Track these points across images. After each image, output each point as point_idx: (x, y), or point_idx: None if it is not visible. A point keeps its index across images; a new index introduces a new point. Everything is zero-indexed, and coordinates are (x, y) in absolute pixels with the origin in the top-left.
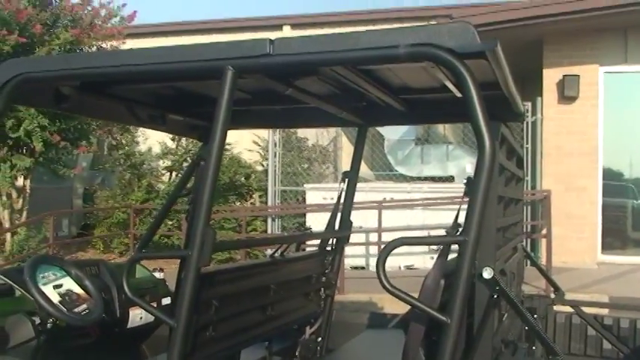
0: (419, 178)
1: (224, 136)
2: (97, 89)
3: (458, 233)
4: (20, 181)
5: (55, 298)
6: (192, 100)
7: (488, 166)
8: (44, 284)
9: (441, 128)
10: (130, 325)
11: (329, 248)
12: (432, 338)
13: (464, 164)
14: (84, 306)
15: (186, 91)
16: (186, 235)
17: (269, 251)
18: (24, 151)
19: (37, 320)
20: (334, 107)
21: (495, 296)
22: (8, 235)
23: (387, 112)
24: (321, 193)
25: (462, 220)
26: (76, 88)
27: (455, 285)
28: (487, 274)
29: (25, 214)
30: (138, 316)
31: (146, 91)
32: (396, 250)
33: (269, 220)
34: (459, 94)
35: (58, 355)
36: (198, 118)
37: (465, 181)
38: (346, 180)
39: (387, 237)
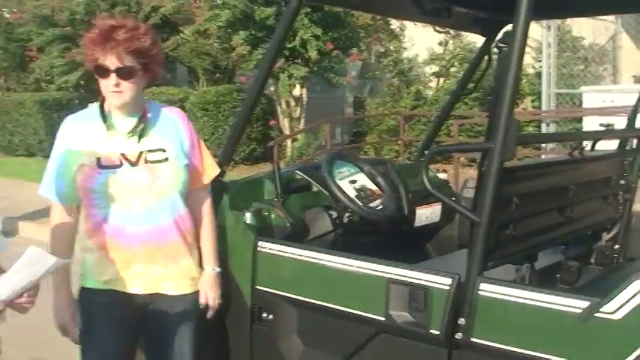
0: None
1: (528, 20)
2: None
3: None
4: (297, 91)
5: (352, 193)
6: None
7: None
8: (340, 179)
9: None
10: (416, 224)
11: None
12: None
13: None
14: (378, 202)
15: None
16: (488, 127)
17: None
18: (299, 61)
19: (334, 214)
20: None
21: None
22: (289, 142)
23: None
24: (599, 96)
25: None
26: None
27: None
28: None
29: (302, 121)
30: (424, 215)
31: None
32: None
33: (543, 126)
34: None
35: (352, 248)
36: (484, 11)
37: None
38: None
39: None
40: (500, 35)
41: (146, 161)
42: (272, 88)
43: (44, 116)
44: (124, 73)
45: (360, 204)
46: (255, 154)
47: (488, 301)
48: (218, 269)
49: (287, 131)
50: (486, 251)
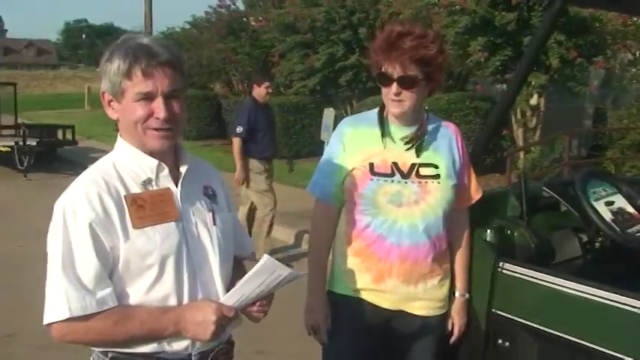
0: None
1: None
2: None
3: None
4: (534, 99)
5: (607, 216)
6: None
7: None
8: (595, 200)
9: None
10: None
11: None
12: None
13: None
14: (637, 227)
15: None
16: None
17: None
18: (539, 68)
19: (584, 238)
20: None
21: None
22: (521, 153)
23: None
24: None
25: None
26: None
27: None
28: None
29: (538, 132)
30: None
31: None
32: None
33: None
34: None
35: (602, 277)
36: None
37: None
38: None
39: None
40: None
41: (417, 175)
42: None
43: (282, 119)
44: (405, 82)
45: (617, 229)
46: (485, 164)
47: None
48: (468, 296)
49: (520, 141)
50: None
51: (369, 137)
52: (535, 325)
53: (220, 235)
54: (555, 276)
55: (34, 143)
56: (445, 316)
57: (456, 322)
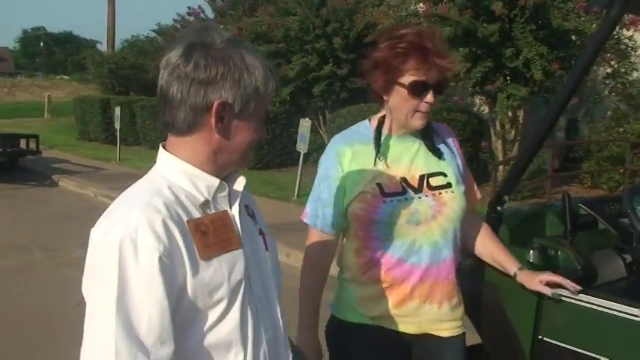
0: None
1: None
2: None
3: None
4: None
5: None
6: None
7: None
8: None
9: None
10: None
11: None
12: None
13: None
14: None
15: None
16: None
17: None
18: (519, 81)
19: (628, 258)
20: None
21: None
22: (500, 166)
23: None
24: None
25: None
26: None
27: None
28: None
29: (516, 145)
30: None
31: None
32: None
33: None
34: None
35: None
36: None
37: None
38: None
39: None
40: None
41: (429, 187)
42: (482, 109)
43: None
44: (441, 89)
45: None
46: None
47: None
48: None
49: (500, 153)
50: None
51: (368, 155)
52: (593, 355)
53: (272, 262)
54: (611, 300)
55: None
56: (464, 335)
57: (548, 277)
